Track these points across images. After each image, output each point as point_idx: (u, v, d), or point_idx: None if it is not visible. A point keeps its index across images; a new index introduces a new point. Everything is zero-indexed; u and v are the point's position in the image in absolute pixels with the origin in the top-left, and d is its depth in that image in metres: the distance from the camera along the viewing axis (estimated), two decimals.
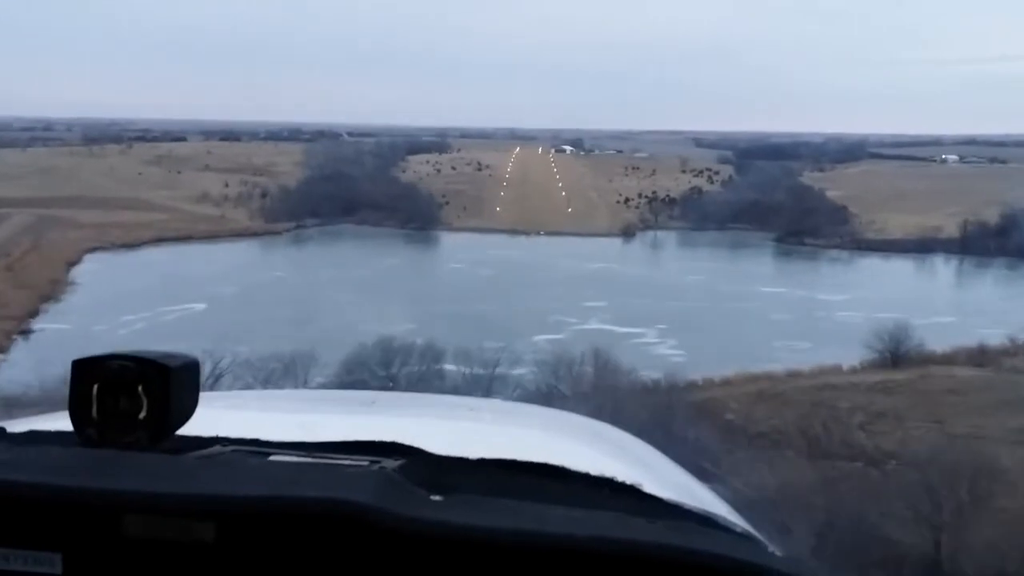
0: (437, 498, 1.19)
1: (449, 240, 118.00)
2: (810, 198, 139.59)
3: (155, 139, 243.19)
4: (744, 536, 1.41)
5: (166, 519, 1.10)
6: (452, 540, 1.10)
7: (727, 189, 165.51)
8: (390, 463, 1.39)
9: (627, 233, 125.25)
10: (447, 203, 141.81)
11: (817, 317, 75.28)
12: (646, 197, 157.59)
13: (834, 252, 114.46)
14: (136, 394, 1.31)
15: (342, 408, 2.48)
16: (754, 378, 55.14)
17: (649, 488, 1.46)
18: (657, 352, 62.67)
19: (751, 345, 65.03)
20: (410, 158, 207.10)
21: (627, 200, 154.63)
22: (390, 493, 1.16)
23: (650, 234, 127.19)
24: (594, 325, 70.40)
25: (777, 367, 57.85)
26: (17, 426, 1.59)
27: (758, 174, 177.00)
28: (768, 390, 52.54)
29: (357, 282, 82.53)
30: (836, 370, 57.80)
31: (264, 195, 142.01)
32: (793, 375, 56.40)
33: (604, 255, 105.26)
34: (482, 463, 1.49)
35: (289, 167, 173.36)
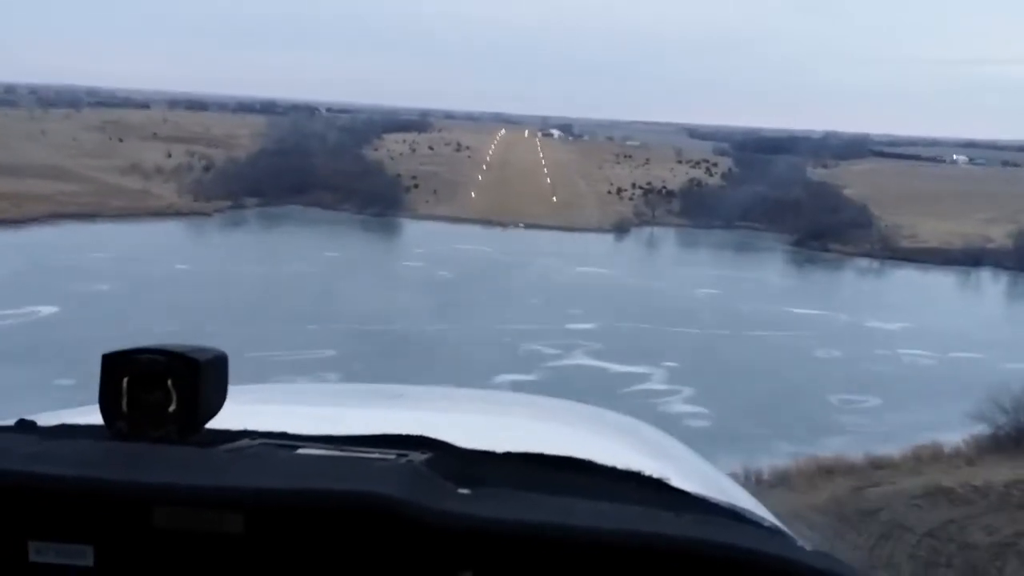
0: (464, 491, 1.18)
1: (412, 229, 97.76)
2: (827, 196, 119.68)
3: (116, 105, 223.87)
4: (773, 530, 1.38)
5: (196, 511, 1.09)
6: (479, 533, 1.08)
7: (730, 182, 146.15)
8: (417, 456, 1.37)
9: (620, 229, 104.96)
10: (416, 186, 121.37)
11: (875, 356, 55.43)
12: (640, 188, 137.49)
13: (862, 261, 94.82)
14: (166, 388, 1.31)
15: (368, 401, 2.40)
16: (822, 471, 35.30)
17: (676, 482, 1.44)
18: (669, 409, 42.74)
19: (799, 399, 45.38)
20: (386, 136, 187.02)
21: (619, 190, 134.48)
22: (418, 486, 1.14)
23: (646, 231, 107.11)
24: (579, 359, 50.50)
25: (850, 449, 38.16)
26: (48, 419, 1.58)
27: (761, 168, 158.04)
28: (848, 501, 32.65)
29: (279, 282, 62.36)
30: (938, 456, 37.96)
31: (207, 168, 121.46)
32: (879, 464, 36.58)
33: (593, 255, 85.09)
34: (508, 457, 1.48)
35: (250, 140, 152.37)
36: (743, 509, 1.43)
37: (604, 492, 1.29)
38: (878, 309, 68.67)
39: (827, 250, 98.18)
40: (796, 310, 67.06)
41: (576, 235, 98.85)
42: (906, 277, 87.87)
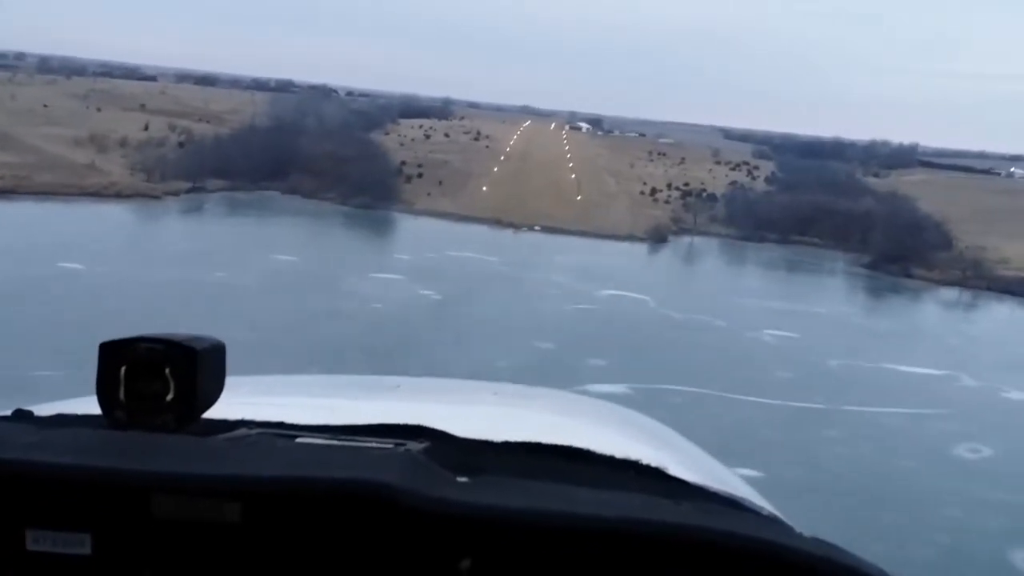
0: (463, 479, 1.15)
1: (403, 227, 78.75)
2: (901, 210, 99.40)
3: (123, 77, 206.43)
4: (771, 519, 1.36)
5: (194, 499, 1.07)
6: (478, 520, 1.06)
7: (776, 188, 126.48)
8: (416, 445, 1.35)
9: (656, 237, 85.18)
10: (420, 175, 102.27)
11: None
12: (677, 189, 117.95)
13: (950, 291, 74.98)
14: (163, 376, 1.28)
15: (367, 392, 2.31)
16: None
17: (674, 471, 1.43)
18: None
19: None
20: (401, 121, 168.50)
21: (654, 191, 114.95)
22: (416, 474, 1.13)
23: (685, 241, 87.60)
24: None
25: None
26: (45, 409, 1.55)
27: (808, 173, 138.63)
28: None
29: (181, 296, 43.34)
30: None
31: (181, 144, 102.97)
32: None
33: (624, 273, 65.64)
34: (507, 446, 1.46)
35: (248, 118, 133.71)
36: (741, 498, 1.41)
37: (603, 481, 1.27)
38: (1010, 368, 49.11)
39: (909, 275, 78.35)
40: (901, 367, 47.55)
41: (603, 243, 79.53)
42: (1018, 317, 68.05)
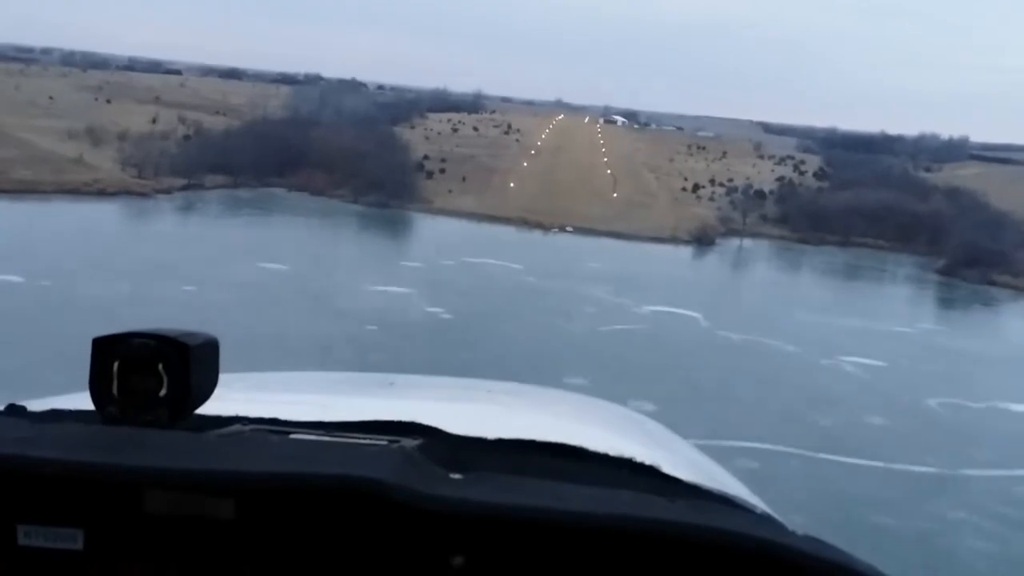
0: (456, 476, 1.14)
1: (420, 228, 69.90)
2: (974, 208, 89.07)
3: (145, 71, 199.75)
4: (763, 517, 1.36)
5: (186, 495, 1.06)
6: (471, 517, 1.05)
7: (828, 184, 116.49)
8: (409, 442, 1.34)
9: (702, 239, 75.55)
10: (442, 171, 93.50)
11: None
12: (722, 185, 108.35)
13: None
14: (156, 372, 1.26)
15: (360, 389, 2.29)
16: None
17: (668, 469, 1.42)
18: None
19: None
20: (430, 115, 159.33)
21: (696, 187, 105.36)
22: (409, 470, 1.11)
23: (734, 242, 78.05)
24: None
25: None
26: (37, 405, 1.53)
27: (860, 168, 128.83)
28: None
29: (128, 321, 34.61)
30: None
31: (187, 137, 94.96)
32: None
33: (669, 282, 56.26)
34: (500, 443, 1.45)
35: (267, 111, 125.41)
36: (734, 496, 1.40)
37: (597, 478, 1.26)
38: None
39: (991, 282, 68.37)
40: (1020, 407, 38.01)
41: (643, 246, 70.26)
42: None
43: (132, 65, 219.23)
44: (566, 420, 2.02)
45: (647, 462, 1.42)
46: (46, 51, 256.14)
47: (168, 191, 69.72)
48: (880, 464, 29.61)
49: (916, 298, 63.09)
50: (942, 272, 71.19)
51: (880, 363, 42.03)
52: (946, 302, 62.48)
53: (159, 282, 40.73)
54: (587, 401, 2.46)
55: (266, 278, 45.41)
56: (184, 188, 71.48)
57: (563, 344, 39.39)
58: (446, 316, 42.42)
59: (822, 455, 29.81)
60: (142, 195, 67.52)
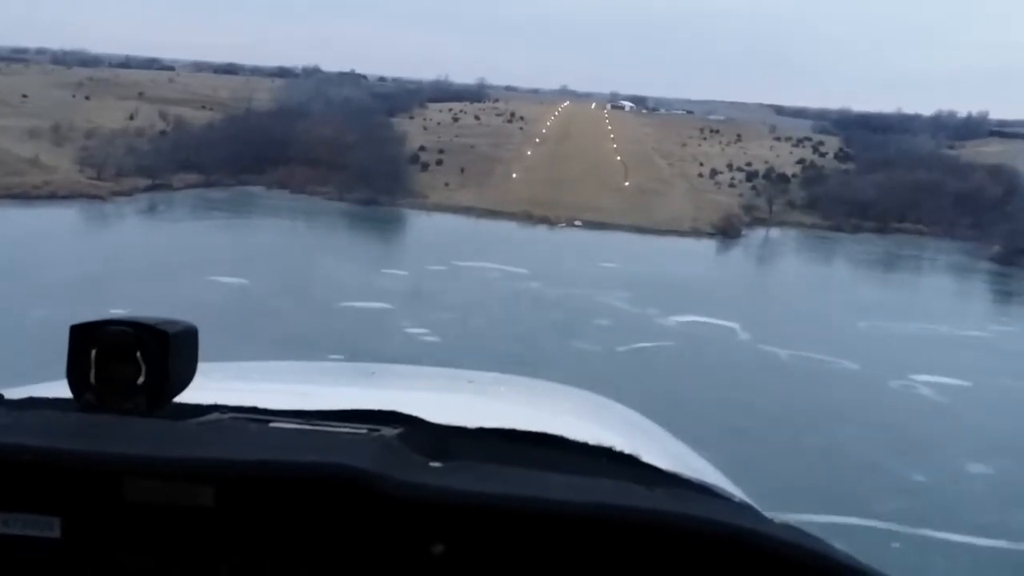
0: (436, 465, 1.14)
1: (410, 227, 62.26)
2: (1018, 186, 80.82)
3: (138, 68, 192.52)
4: (742, 505, 1.36)
5: (166, 483, 1.05)
6: (451, 506, 1.05)
7: (855, 165, 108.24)
8: (389, 431, 1.33)
9: (727, 231, 67.63)
10: (439, 162, 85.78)
11: None
12: (740, 170, 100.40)
13: None
14: (134, 360, 1.24)
15: (341, 379, 2.33)
16: None
17: (647, 458, 1.41)
18: None
19: None
20: (430, 105, 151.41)
21: (714, 173, 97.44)
22: (389, 459, 1.11)
23: (762, 233, 70.11)
24: None
25: None
26: (15, 392, 1.52)
27: (883, 149, 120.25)
28: None
29: (32, 357, 27.22)
30: None
31: (163, 133, 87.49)
32: None
33: (694, 283, 48.35)
34: (481, 432, 1.44)
35: (257, 105, 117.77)
36: (713, 485, 1.41)
37: (577, 467, 1.26)
38: None
39: None
40: None
41: (661, 240, 62.44)
42: None
43: (127, 63, 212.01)
44: (547, 410, 2.01)
45: (626, 451, 1.41)
46: (41, 51, 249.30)
47: (128, 193, 62.37)
48: (1003, 543, 21.81)
49: (975, 292, 55.22)
50: (997, 260, 63.23)
51: (961, 382, 34.18)
52: (1011, 296, 54.43)
53: (65, 307, 33.03)
54: (568, 391, 2.42)
55: (215, 297, 37.69)
56: (148, 189, 64.22)
57: (574, 370, 31.61)
58: (430, 339, 34.74)
59: (919, 530, 22.07)
60: (97, 198, 60.08)
